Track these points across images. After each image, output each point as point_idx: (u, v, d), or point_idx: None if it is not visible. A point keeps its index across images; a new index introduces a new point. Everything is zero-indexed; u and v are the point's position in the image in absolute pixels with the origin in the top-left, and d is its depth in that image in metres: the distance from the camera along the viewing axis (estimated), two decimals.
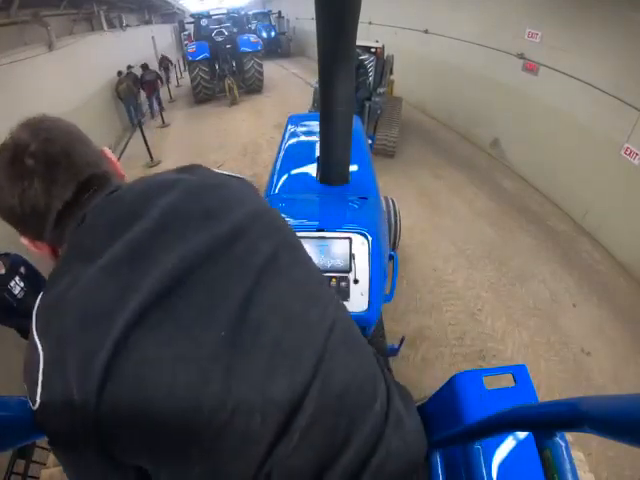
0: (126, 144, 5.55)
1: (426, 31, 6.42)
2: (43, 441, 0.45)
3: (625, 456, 1.99)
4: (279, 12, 13.73)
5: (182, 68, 12.21)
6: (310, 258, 0.62)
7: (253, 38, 8.83)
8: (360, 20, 1.23)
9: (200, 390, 0.42)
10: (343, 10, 1.17)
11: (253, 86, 9.11)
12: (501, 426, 0.58)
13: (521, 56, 4.46)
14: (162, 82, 8.86)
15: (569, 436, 0.81)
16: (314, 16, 1.22)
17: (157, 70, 8.78)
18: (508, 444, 0.92)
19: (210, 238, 0.48)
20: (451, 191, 4.52)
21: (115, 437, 0.41)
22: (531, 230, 3.89)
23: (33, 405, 0.42)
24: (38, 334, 0.44)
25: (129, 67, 7.63)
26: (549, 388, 2.41)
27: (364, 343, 0.63)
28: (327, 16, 1.20)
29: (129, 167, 3.99)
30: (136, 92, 7.29)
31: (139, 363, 0.41)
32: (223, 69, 8.83)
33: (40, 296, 0.46)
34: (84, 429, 0.40)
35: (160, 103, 8.41)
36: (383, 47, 4.93)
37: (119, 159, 4.60)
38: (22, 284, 2.16)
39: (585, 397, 0.39)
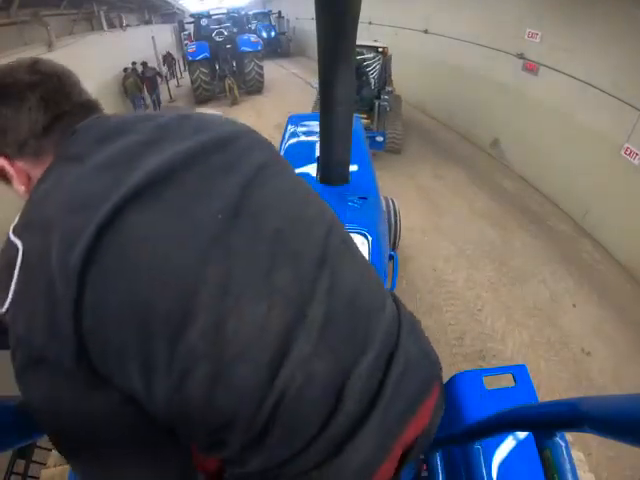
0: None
1: (426, 31, 6.42)
2: (43, 441, 0.45)
3: (625, 456, 1.99)
4: (279, 12, 13.72)
5: (182, 68, 12.20)
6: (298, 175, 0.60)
7: (253, 38, 8.79)
8: (360, 20, 1.22)
9: (197, 272, 0.40)
10: (343, 10, 1.16)
11: (253, 87, 9.05)
12: (501, 426, 0.59)
13: (521, 56, 4.46)
14: (162, 78, 9.02)
15: (569, 436, 0.81)
16: (314, 16, 1.22)
17: (156, 67, 8.94)
18: (508, 444, 0.92)
19: (205, 139, 0.48)
20: (451, 191, 4.52)
21: (98, 336, 0.37)
22: (531, 230, 3.89)
23: (1, 306, 0.38)
24: (17, 233, 0.41)
25: (133, 63, 7.93)
26: (549, 388, 2.41)
27: (364, 256, 0.60)
28: (327, 16, 1.20)
29: None
30: (141, 87, 7.66)
31: (128, 244, 0.39)
32: (223, 69, 8.76)
33: (24, 204, 0.45)
34: (62, 328, 0.36)
35: (159, 102, 8.50)
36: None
37: None
38: None
39: (585, 397, 0.39)
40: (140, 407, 0.40)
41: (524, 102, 4.55)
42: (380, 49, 4.83)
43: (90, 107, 0.54)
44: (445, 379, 1.17)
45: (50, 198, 0.42)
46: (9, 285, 0.38)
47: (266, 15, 13.78)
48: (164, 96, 9.08)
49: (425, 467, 0.99)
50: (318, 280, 0.46)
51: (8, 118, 0.47)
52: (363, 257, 0.59)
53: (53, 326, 0.37)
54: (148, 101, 8.44)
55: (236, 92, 8.47)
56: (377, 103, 4.84)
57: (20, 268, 0.38)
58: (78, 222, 0.38)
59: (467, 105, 5.73)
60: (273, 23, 13.64)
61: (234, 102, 8.45)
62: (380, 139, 4.87)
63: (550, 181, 4.34)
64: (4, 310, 0.38)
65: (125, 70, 7.49)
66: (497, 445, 0.92)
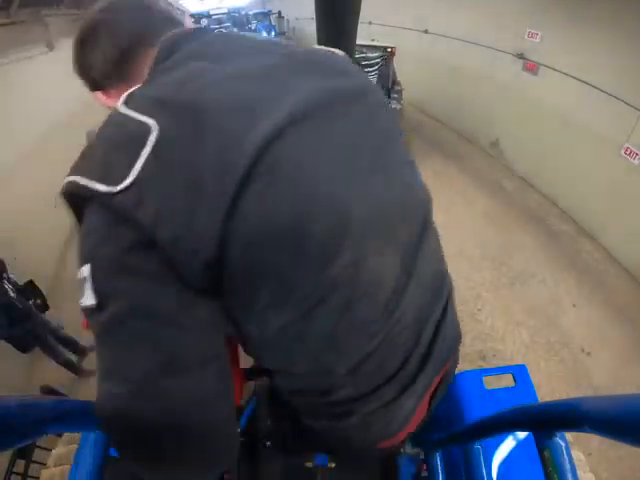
0: None
1: (426, 31, 6.42)
2: (43, 441, 0.45)
3: (625, 456, 1.99)
4: (279, 12, 13.72)
5: None
6: None
7: None
8: (360, 20, 1.22)
9: (352, 208, 0.40)
10: (343, 10, 1.16)
11: None
12: (501, 426, 0.59)
13: (521, 56, 4.46)
14: None
15: (569, 436, 0.81)
16: (314, 16, 1.22)
17: None
18: (508, 444, 0.93)
19: (351, 84, 0.48)
20: (451, 191, 4.52)
21: (244, 249, 0.35)
22: (531, 230, 3.89)
23: (108, 185, 0.34)
24: (143, 110, 0.37)
25: None
26: (549, 388, 2.41)
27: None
28: (327, 16, 1.20)
29: None
30: None
31: (294, 162, 0.37)
32: None
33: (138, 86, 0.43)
34: (203, 229, 0.34)
35: None
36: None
37: None
38: (10, 285, 2.13)
39: (585, 397, 0.39)
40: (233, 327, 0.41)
41: (524, 102, 4.55)
42: (389, 49, 4.87)
43: (171, 20, 0.54)
44: (452, 376, 1.18)
45: (192, 86, 0.39)
46: (132, 164, 0.34)
47: (266, 15, 13.77)
48: None
49: (425, 467, 0.99)
50: (422, 241, 0.51)
51: (87, 57, 0.51)
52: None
53: (191, 224, 0.34)
54: None
55: None
56: (389, 102, 4.93)
57: (154, 149, 0.34)
58: (241, 124, 0.36)
59: (467, 105, 5.73)
60: (273, 23, 13.64)
61: None
62: None
63: (550, 181, 4.34)
64: (117, 189, 0.34)
65: None
66: (497, 445, 0.92)
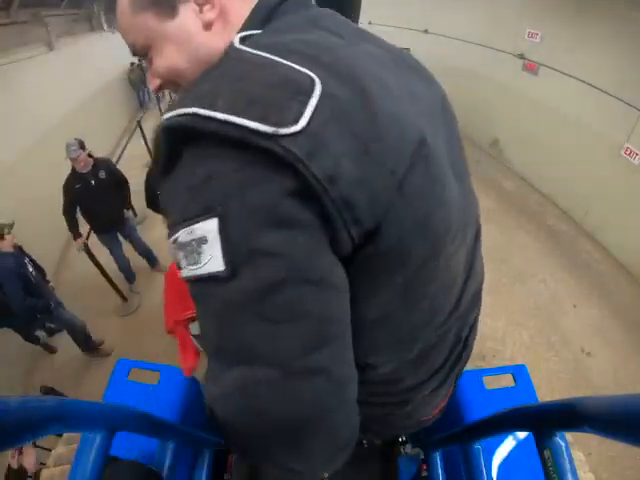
0: (126, 145, 5.59)
1: (426, 31, 6.42)
2: (43, 441, 0.44)
3: (625, 456, 1.99)
4: None
5: None
6: None
7: None
8: (360, 20, 1.23)
9: (459, 208, 0.45)
10: (343, 10, 1.17)
11: None
12: (501, 426, 0.59)
13: (521, 56, 4.46)
14: None
15: (569, 436, 0.81)
16: None
17: None
18: (508, 444, 0.93)
19: (441, 94, 0.52)
20: None
21: (404, 215, 0.35)
22: (531, 230, 3.90)
23: (271, 125, 0.29)
24: (295, 60, 0.34)
25: (139, 60, 8.09)
26: (549, 388, 2.41)
27: None
28: None
29: (129, 167, 4.09)
30: (144, 80, 8.02)
31: (435, 158, 0.40)
32: None
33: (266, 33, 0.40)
34: (379, 187, 0.33)
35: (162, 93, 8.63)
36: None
37: (119, 159, 4.59)
38: (31, 262, 2.31)
39: (585, 397, 0.39)
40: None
41: (524, 102, 4.55)
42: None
43: None
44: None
45: (342, 53, 0.37)
46: (303, 110, 0.31)
47: None
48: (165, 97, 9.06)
49: (425, 467, 0.99)
50: (477, 243, 0.58)
51: None
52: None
53: (365, 189, 0.32)
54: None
55: None
56: None
57: (320, 100, 0.31)
58: (404, 109, 0.37)
59: (467, 105, 5.71)
60: None
61: None
62: None
63: (550, 181, 4.34)
64: (285, 132, 0.30)
65: (132, 64, 8.06)
66: (497, 445, 0.92)
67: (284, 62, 0.33)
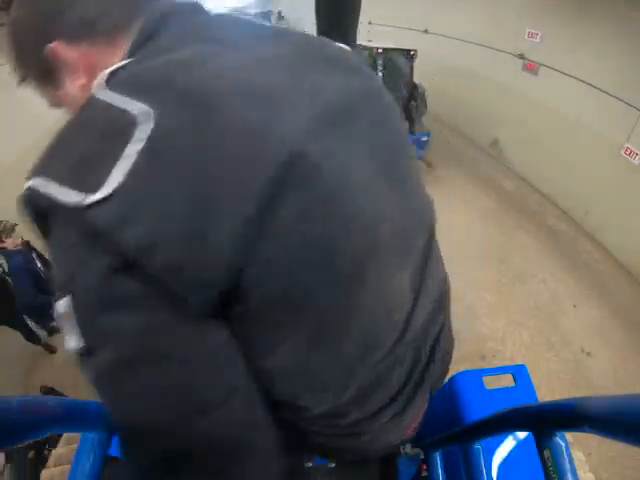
0: None
1: (426, 31, 6.42)
2: (42, 441, 0.44)
3: (625, 456, 1.99)
4: (279, 12, 13.72)
5: None
6: None
7: None
8: (360, 20, 1.23)
9: (378, 228, 0.36)
10: (343, 10, 1.17)
11: None
12: (501, 426, 0.59)
13: (521, 56, 4.46)
14: None
15: (569, 436, 0.81)
16: (314, 16, 1.22)
17: None
18: (508, 444, 0.92)
19: (360, 85, 0.41)
20: (450, 191, 4.51)
21: (266, 273, 0.29)
22: (531, 230, 3.89)
23: (80, 191, 0.26)
24: (133, 94, 0.29)
25: None
26: (549, 388, 2.41)
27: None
28: (327, 16, 1.20)
29: None
30: None
31: (326, 174, 0.31)
32: None
33: (127, 65, 0.34)
34: (215, 249, 0.27)
35: None
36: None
37: None
38: (38, 257, 2.38)
39: (585, 397, 0.39)
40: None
41: (524, 102, 4.55)
42: (412, 52, 4.83)
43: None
44: (445, 379, 1.17)
45: (201, 70, 0.31)
46: (111, 166, 0.27)
47: (266, 15, 13.78)
48: None
49: (425, 467, 0.99)
50: (430, 254, 0.49)
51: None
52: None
53: (201, 250, 0.27)
54: None
55: None
56: (414, 105, 4.90)
57: (147, 145, 0.27)
58: (267, 116, 0.30)
59: (467, 105, 5.73)
60: (274, 23, 13.64)
61: None
62: (425, 139, 4.85)
63: (550, 181, 4.34)
64: (91, 200, 0.26)
65: None
66: (497, 445, 0.92)
67: (117, 98, 0.29)
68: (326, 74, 0.38)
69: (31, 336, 2.67)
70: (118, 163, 0.26)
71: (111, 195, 0.26)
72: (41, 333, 2.69)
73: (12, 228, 2.28)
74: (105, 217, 0.26)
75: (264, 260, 0.29)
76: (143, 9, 0.39)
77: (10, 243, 2.25)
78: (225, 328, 0.31)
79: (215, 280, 0.28)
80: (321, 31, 1.26)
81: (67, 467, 0.89)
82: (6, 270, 2.28)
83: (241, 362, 0.32)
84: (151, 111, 0.28)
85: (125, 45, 0.37)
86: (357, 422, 0.47)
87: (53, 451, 0.96)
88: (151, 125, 0.27)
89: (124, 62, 0.34)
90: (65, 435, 1.00)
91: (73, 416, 0.45)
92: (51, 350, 2.83)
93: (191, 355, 0.29)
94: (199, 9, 0.42)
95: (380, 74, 4.69)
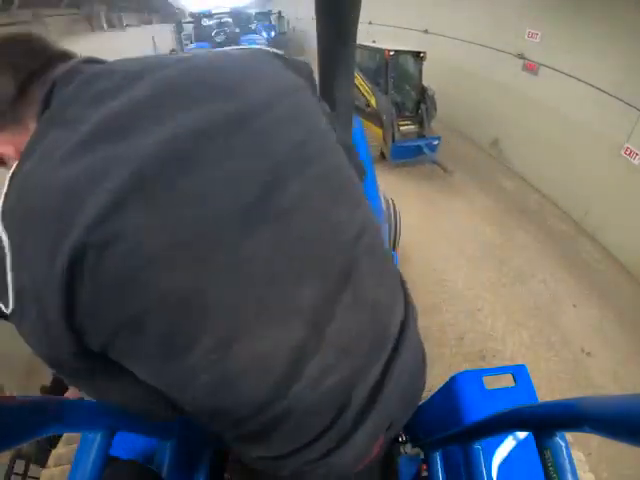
0: None
1: (426, 31, 6.42)
2: (43, 441, 0.44)
3: (625, 456, 1.99)
4: (279, 12, 13.71)
5: None
6: (344, 154, 0.51)
7: (259, 39, 8.24)
8: (360, 20, 1.23)
9: (205, 293, 0.36)
10: (343, 10, 1.17)
11: None
12: (501, 426, 0.59)
13: (521, 56, 4.46)
14: None
15: (569, 436, 0.81)
16: (314, 16, 1.22)
17: None
18: (508, 444, 0.92)
19: (217, 113, 0.38)
20: (450, 191, 4.52)
21: (90, 329, 0.35)
22: (531, 230, 3.89)
23: (6, 308, 0.35)
24: (4, 223, 0.34)
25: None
26: (549, 388, 2.41)
27: (387, 253, 0.55)
28: (327, 16, 1.20)
29: None
30: None
31: (130, 242, 0.33)
32: None
33: (10, 173, 0.37)
34: (56, 339, 0.35)
35: None
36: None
37: None
38: None
39: (585, 397, 0.39)
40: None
41: (524, 102, 4.55)
42: (421, 54, 4.75)
43: (68, 56, 0.48)
44: (445, 379, 1.17)
45: (32, 182, 0.35)
46: (7, 285, 0.34)
47: (266, 15, 13.76)
48: None
49: (425, 467, 0.99)
50: (341, 295, 0.42)
51: None
52: (386, 252, 0.54)
53: (50, 338, 0.36)
54: None
55: None
56: (424, 107, 4.84)
57: (11, 266, 0.33)
58: (61, 225, 0.33)
59: (467, 105, 5.73)
60: (273, 23, 13.61)
61: None
62: (436, 142, 4.79)
63: (550, 181, 4.34)
64: (9, 312, 0.35)
65: None
66: (497, 445, 0.92)
67: (1, 234, 0.34)
68: (167, 118, 0.37)
69: None
70: (8, 282, 0.34)
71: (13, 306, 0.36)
72: None
73: None
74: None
75: (86, 332, 0.35)
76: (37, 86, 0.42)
77: None
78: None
79: (65, 346, 0.37)
80: (321, 30, 1.26)
81: (67, 467, 0.89)
82: None
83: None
84: (6, 236, 0.34)
85: (32, 125, 0.41)
86: (267, 458, 0.48)
87: (53, 451, 0.96)
88: (8, 251, 0.33)
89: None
90: (65, 435, 1.00)
91: (73, 416, 0.45)
92: None
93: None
94: (77, 72, 0.42)
95: (391, 79, 4.67)
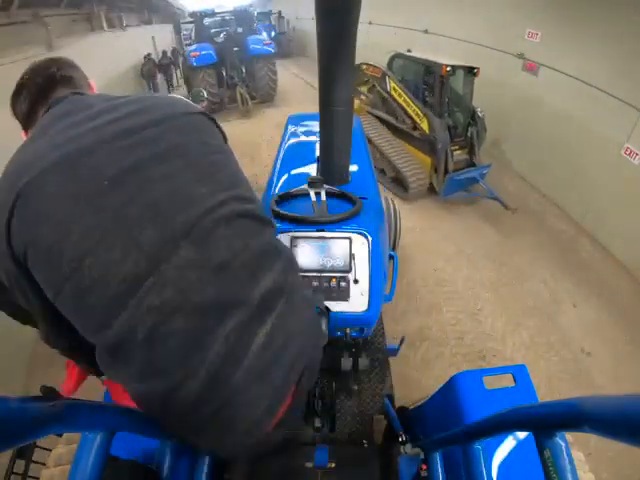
0: None
1: (426, 31, 6.42)
2: (43, 441, 0.44)
3: (625, 456, 1.99)
4: (279, 12, 13.70)
5: (178, 75, 11.94)
6: (235, 161, 0.79)
7: (265, 40, 7.87)
8: (360, 20, 1.23)
9: (76, 223, 0.54)
10: (343, 10, 1.17)
11: (265, 95, 8.10)
12: (501, 426, 0.59)
13: (521, 56, 4.46)
14: (175, 66, 10.98)
15: (569, 436, 0.81)
16: (314, 16, 1.22)
17: (171, 57, 10.82)
18: (508, 444, 0.92)
19: (125, 124, 0.62)
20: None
21: (21, 250, 0.54)
22: (531, 230, 3.89)
23: None
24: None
25: (149, 54, 9.63)
26: (549, 388, 2.41)
27: (258, 228, 0.69)
28: (327, 16, 1.20)
29: None
30: (154, 72, 9.35)
31: (43, 200, 0.54)
32: (232, 76, 7.68)
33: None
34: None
35: (171, 82, 10.49)
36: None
37: None
38: None
39: (585, 397, 0.39)
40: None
41: (524, 102, 4.55)
42: (475, 69, 3.94)
43: (67, 80, 0.77)
44: (445, 379, 1.17)
45: (13, 158, 0.62)
46: None
47: (266, 15, 13.74)
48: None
49: (425, 467, 0.99)
50: (179, 245, 0.57)
51: (17, 103, 0.76)
52: (255, 227, 0.68)
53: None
54: (160, 83, 10.10)
55: (249, 102, 7.50)
56: (475, 130, 4.11)
57: None
58: (9, 187, 0.55)
59: None
60: (273, 23, 13.61)
61: (246, 114, 7.54)
62: (486, 171, 4.12)
63: (550, 181, 4.34)
64: None
65: (145, 58, 9.32)
66: (497, 445, 0.92)
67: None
68: (81, 131, 0.60)
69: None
70: None
71: None
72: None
73: None
74: None
75: (14, 244, 0.54)
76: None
77: None
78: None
79: (4, 251, 0.56)
80: (321, 31, 1.26)
81: (67, 467, 0.89)
82: None
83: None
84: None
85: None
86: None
87: (53, 451, 0.96)
88: None
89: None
90: (65, 435, 1.00)
91: (73, 416, 0.45)
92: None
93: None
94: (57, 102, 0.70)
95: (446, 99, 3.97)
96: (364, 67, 5.03)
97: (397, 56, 4.75)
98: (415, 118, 4.21)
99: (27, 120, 0.74)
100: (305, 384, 0.73)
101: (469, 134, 4.17)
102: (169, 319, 0.55)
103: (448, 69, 3.75)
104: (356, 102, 4.99)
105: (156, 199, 0.58)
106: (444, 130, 3.93)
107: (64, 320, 0.58)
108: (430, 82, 4.12)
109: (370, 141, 4.31)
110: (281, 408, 0.66)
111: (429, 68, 4.08)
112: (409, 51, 4.66)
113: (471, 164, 4.15)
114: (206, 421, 0.59)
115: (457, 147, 4.15)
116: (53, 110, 0.67)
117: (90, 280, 0.53)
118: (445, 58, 3.99)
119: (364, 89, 5.24)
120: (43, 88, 0.73)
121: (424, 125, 4.08)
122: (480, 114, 4.11)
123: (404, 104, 4.36)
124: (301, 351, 0.68)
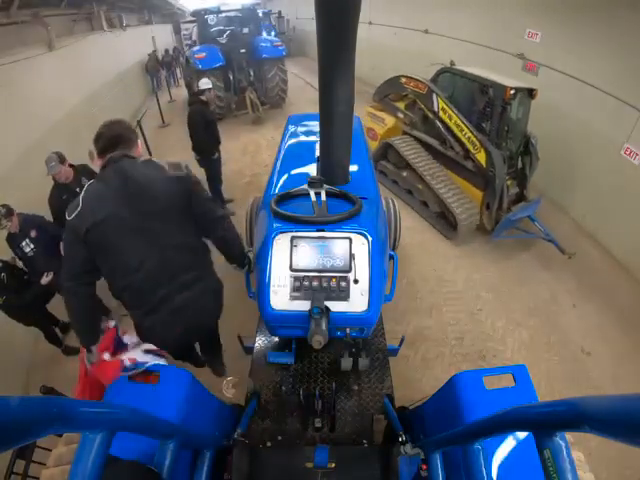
0: (144, 113, 5.99)
1: (426, 31, 6.42)
2: (43, 441, 0.44)
3: (625, 456, 1.99)
4: (279, 12, 13.70)
5: (178, 75, 11.87)
6: (190, 218, 1.52)
7: (275, 41, 7.37)
8: (360, 20, 1.23)
9: (120, 236, 1.38)
10: (343, 10, 1.17)
11: (275, 99, 7.61)
12: (501, 426, 0.59)
13: (521, 56, 4.46)
14: (176, 63, 11.80)
15: (569, 436, 0.81)
16: (314, 16, 1.22)
17: (173, 54, 11.87)
18: (508, 444, 0.92)
19: (133, 205, 1.38)
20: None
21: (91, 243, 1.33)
22: (531, 230, 3.89)
23: (69, 217, 1.32)
24: (81, 197, 1.34)
25: (154, 51, 10.52)
26: (549, 388, 2.41)
27: (195, 241, 1.58)
28: (327, 17, 1.20)
29: (145, 128, 5.32)
30: (158, 68, 10.30)
31: (100, 231, 1.32)
32: (239, 79, 7.25)
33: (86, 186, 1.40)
34: (82, 232, 1.30)
35: (174, 78, 11.55)
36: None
37: (139, 122, 5.07)
38: (32, 245, 2.39)
39: (585, 397, 0.39)
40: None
41: None
42: (533, 92, 3.38)
43: (122, 146, 1.43)
44: (445, 379, 1.17)
45: (88, 192, 1.37)
46: (76, 210, 1.32)
47: (266, 15, 13.72)
48: (165, 98, 9.06)
49: (425, 467, 0.99)
50: (158, 242, 1.43)
51: (96, 142, 1.43)
52: (186, 221, 1.50)
53: (81, 229, 1.31)
54: (163, 79, 10.83)
55: (259, 107, 7.09)
56: (528, 160, 3.60)
57: (79, 210, 1.32)
58: (89, 214, 1.32)
59: None
60: (273, 23, 13.60)
61: (257, 119, 7.14)
62: (537, 206, 3.62)
63: (550, 181, 4.34)
64: (71, 218, 1.32)
65: (149, 55, 10.12)
66: (497, 445, 0.92)
67: (80, 200, 1.36)
68: (119, 201, 1.38)
69: (54, 338, 2.71)
70: (77, 210, 1.37)
71: (75, 216, 1.35)
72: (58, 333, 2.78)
73: (9, 211, 2.29)
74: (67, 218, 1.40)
75: (89, 240, 1.34)
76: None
77: (14, 225, 2.31)
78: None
79: (83, 237, 1.34)
80: (321, 32, 1.26)
81: (67, 467, 0.89)
82: (32, 247, 2.37)
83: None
84: (81, 202, 1.37)
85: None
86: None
87: (53, 451, 0.97)
88: (80, 205, 1.36)
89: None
90: (65, 435, 1.01)
91: (73, 416, 0.45)
92: (68, 352, 2.77)
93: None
94: (111, 161, 1.41)
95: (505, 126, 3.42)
96: (403, 80, 4.30)
97: (445, 70, 3.98)
98: (469, 147, 3.57)
99: (100, 154, 1.41)
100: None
101: (520, 164, 3.67)
102: (152, 272, 1.44)
103: (512, 92, 3.19)
104: (392, 120, 4.68)
105: (150, 226, 1.40)
106: (503, 163, 3.40)
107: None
108: (485, 104, 3.51)
109: (410, 167, 4.03)
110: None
111: (485, 88, 3.46)
112: (452, 63, 4.02)
113: (521, 197, 3.68)
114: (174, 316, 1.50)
115: (508, 178, 3.59)
116: (109, 170, 1.38)
117: (114, 251, 1.39)
118: (501, 76, 3.46)
119: (401, 105, 4.58)
120: (111, 144, 1.40)
121: (480, 157, 3.48)
122: (533, 140, 3.57)
123: (455, 128, 3.69)
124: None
